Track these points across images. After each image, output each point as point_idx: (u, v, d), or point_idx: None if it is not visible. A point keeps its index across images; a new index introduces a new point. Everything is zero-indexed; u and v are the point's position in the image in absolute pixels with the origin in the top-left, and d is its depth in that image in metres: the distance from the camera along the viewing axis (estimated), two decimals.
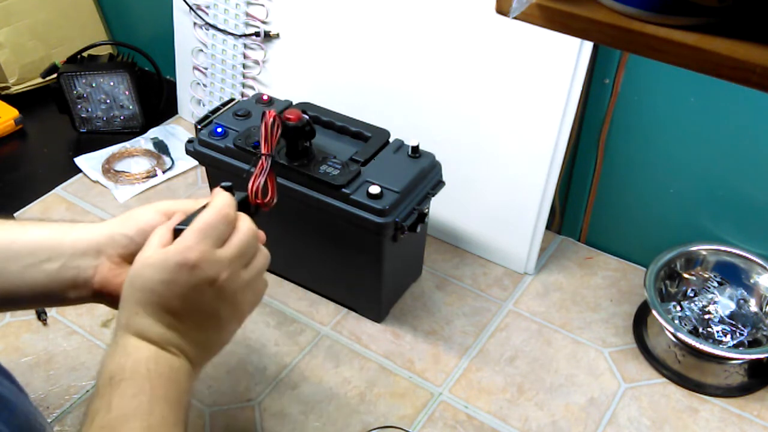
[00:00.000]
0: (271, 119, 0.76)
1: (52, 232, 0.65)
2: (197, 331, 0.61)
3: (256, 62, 1.15)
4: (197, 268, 0.58)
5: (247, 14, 1.12)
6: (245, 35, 1.13)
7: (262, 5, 1.10)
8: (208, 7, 1.15)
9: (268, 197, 0.76)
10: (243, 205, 0.70)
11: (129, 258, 0.65)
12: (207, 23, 1.15)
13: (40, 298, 0.67)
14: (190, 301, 0.59)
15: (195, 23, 1.18)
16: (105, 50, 1.33)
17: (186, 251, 0.58)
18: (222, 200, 0.63)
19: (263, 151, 0.79)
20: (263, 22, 1.11)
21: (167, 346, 0.59)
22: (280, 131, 0.79)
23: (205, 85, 1.24)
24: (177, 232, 0.61)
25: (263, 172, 0.78)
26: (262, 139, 0.78)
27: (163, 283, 0.58)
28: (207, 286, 0.59)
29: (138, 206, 0.69)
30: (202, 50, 1.20)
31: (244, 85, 1.19)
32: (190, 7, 1.16)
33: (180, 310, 0.59)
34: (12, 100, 1.35)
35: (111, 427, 0.52)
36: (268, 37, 1.12)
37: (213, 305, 0.60)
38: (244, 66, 1.17)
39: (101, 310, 0.98)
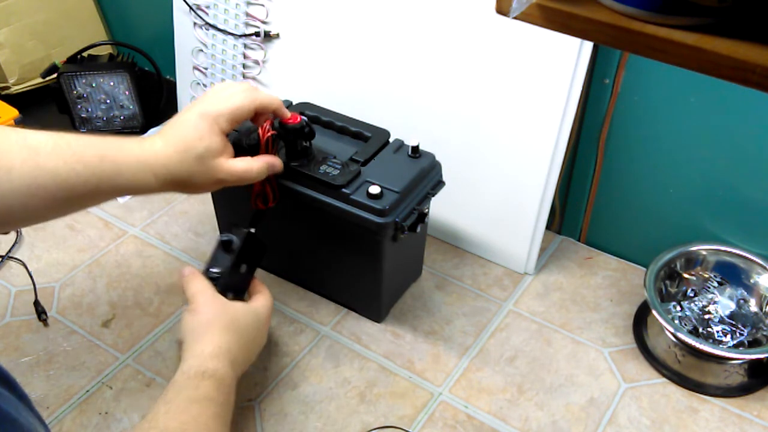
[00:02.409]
0: (266, 138, 0.79)
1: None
2: (253, 357, 0.81)
3: (256, 62, 1.15)
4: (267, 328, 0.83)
5: (247, 14, 1.12)
6: (245, 35, 1.13)
7: (262, 5, 1.10)
8: (208, 7, 1.15)
9: (270, 203, 0.82)
10: (250, 236, 0.84)
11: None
12: (207, 23, 1.15)
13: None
14: (256, 352, 0.81)
15: (195, 23, 1.18)
16: (105, 50, 1.33)
17: (269, 312, 0.84)
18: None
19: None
20: (263, 22, 1.11)
21: (237, 370, 0.76)
22: (277, 145, 0.81)
23: (205, 85, 1.24)
24: (212, 279, 0.81)
25: (263, 183, 0.82)
26: (261, 152, 0.80)
27: (261, 331, 0.81)
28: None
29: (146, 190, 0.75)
30: (202, 50, 1.20)
31: (244, 75, 1.19)
32: (190, 7, 1.16)
33: (253, 356, 0.81)
34: (12, 100, 1.34)
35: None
36: (268, 37, 1.12)
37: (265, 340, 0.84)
38: (244, 66, 1.17)
39: (101, 310, 0.98)
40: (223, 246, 0.82)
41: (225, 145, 0.75)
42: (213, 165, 0.73)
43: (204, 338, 0.73)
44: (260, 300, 0.83)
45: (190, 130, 0.73)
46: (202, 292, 0.77)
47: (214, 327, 0.75)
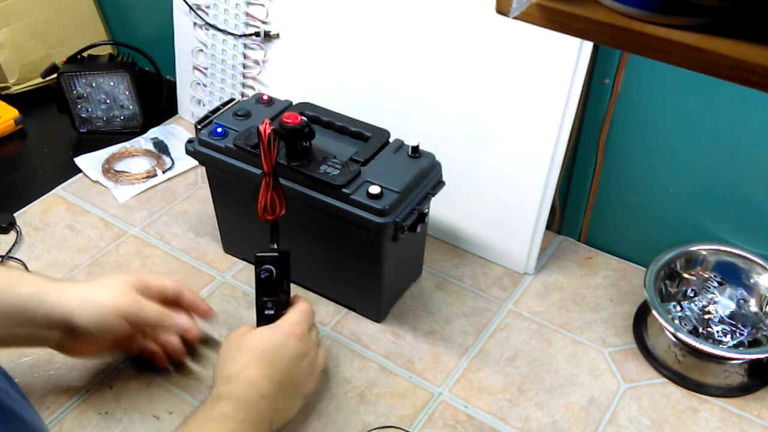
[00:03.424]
0: (267, 138, 0.78)
1: (29, 298, 0.73)
2: (283, 397, 0.75)
3: (256, 62, 1.15)
4: (301, 339, 0.77)
5: (248, 14, 1.12)
6: (245, 35, 1.13)
7: (262, 5, 1.10)
8: (208, 6, 1.15)
9: (277, 211, 0.81)
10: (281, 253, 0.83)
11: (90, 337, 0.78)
12: (207, 23, 1.15)
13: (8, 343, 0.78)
14: (289, 366, 0.75)
15: (195, 23, 1.18)
16: (105, 50, 1.33)
17: (295, 325, 0.77)
18: (307, 303, 0.83)
19: (265, 169, 0.80)
20: (263, 22, 1.11)
21: (266, 398, 0.72)
22: (278, 144, 0.80)
23: (205, 85, 1.24)
24: (268, 316, 0.81)
25: (268, 189, 0.81)
26: (263, 157, 0.79)
27: (276, 345, 0.75)
28: (303, 357, 0.77)
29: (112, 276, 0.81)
30: (202, 50, 1.20)
31: (244, 85, 1.19)
32: (190, 7, 1.16)
33: (281, 372, 0.74)
34: (12, 100, 1.35)
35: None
36: (268, 37, 1.12)
37: (301, 376, 0.77)
38: (244, 66, 1.17)
39: None
40: (266, 280, 0.83)
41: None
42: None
43: (222, 365, 0.77)
44: (286, 317, 0.80)
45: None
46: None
47: (229, 354, 0.77)
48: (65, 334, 0.75)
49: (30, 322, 0.72)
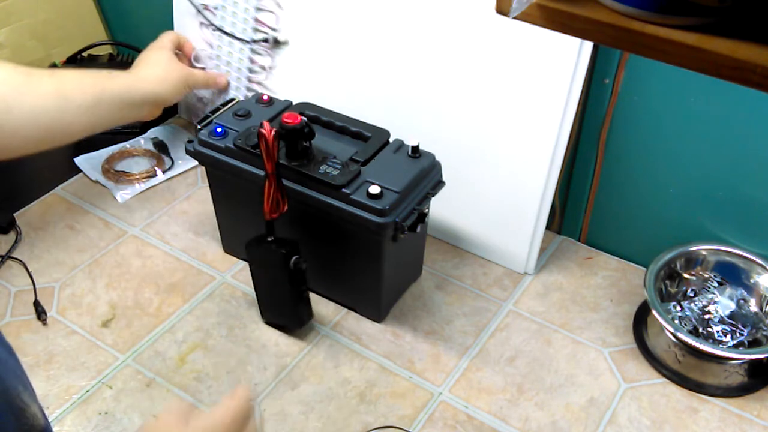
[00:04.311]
0: (267, 140, 0.79)
1: (123, 90, 0.96)
2: None
3: (263, 67, 1.15)
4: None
5: (256, 20, 1.11)
6: (254, 41, 1.13)
7: (272, 12, 1.10)
8: (216, 8, 1.14)
9: (281, 209, 0.82)
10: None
11: None
12: (213, 25, 1.15)
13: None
14: None
15: (201, 23, 1.17)
16: (105, 50, 1.33)
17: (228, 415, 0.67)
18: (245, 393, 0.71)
19: (268, 170, 0.81)
20: (272, 29, 1.11)
21: None
22: (279, 144, 0.81)
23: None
24: None
25: (272, 190, 0.82)
26: (264, 158, 0.80)
27: None
28: None
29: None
30: (205, 51, 1.20)
31: (250, 80, 1.19)
32: (197, 9, 1.15)
33: None
34: None
35: None
36: (277, 43, 1.11)
37: None
38: (251, 70, 1.17)
39: (101, 310, 0.98)
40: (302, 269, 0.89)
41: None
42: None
43: None
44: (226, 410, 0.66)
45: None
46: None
47: None
48: (152, 105, 1.00)
49: (130, 106, 0.94)
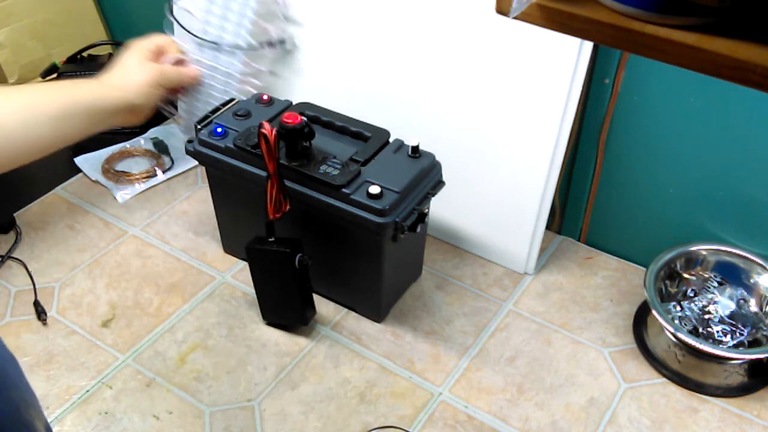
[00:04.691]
0: (269, 140, 0.79)
1: (94, 102, 0.88)
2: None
3: (259, 70, 1.15)
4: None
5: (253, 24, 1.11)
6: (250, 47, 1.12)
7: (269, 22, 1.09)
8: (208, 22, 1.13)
9: (283, 208, 0.82)
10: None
11: None
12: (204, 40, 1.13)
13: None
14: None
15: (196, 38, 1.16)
16: (105, 50, 1.33)
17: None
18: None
19: (270, 170, 0.82)
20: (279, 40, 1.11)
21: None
22: (279, 143, 0.81)
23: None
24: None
25: (274, 190, 0.83)
26: (266, 158, 0.80)
27: None
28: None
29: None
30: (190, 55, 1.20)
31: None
32: (189, 32, 1.14)
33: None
34: None
35: None
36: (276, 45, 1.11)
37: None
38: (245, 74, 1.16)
39: (101, 310, 0.98)
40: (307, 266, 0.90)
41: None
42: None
43: None
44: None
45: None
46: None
47: None
48: (127, 112, 0.93)
49: (101, 115, 0.89)
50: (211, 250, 1.07)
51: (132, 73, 0.94)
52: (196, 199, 1.16)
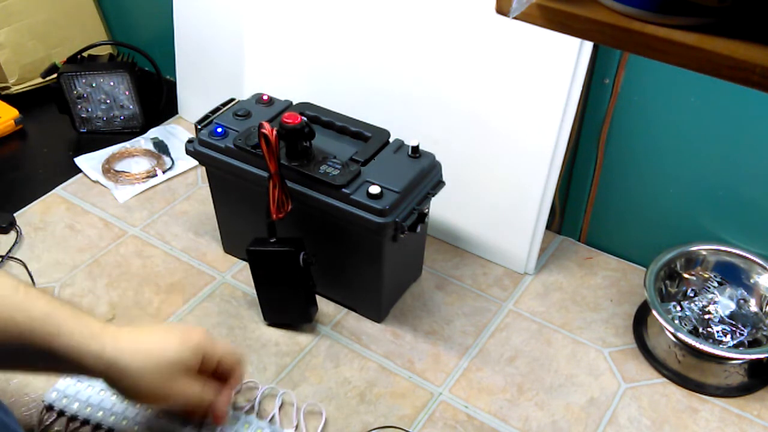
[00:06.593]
0: (266, 140, 0.79)
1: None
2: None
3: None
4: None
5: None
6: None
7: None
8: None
9: (285, 208, 0.83)
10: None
11: None
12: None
13: None
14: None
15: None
16: (105, 50, 1.33)
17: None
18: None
19: (271, 170, 0.82)
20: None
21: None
22: (279, 143, 0.81)
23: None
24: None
25: (276, 190, 0.83)
26: (267, 158, 0.81)
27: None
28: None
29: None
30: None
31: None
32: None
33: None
34: (12, 100, 1.35)
35: None
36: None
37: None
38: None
39: (101, 310, 0.98)
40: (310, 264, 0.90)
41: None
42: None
43: None
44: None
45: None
46: None
47: None
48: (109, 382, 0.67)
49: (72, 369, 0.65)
50: (211, 250, 1.07)
51: (150, 374, 0.63)
52: (196, 199, 1.16)
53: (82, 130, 1.30)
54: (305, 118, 0.85)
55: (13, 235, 1.09)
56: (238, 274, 1.03)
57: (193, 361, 0.62)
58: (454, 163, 0.94)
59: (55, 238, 1.09)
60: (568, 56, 0.86)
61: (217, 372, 0.68)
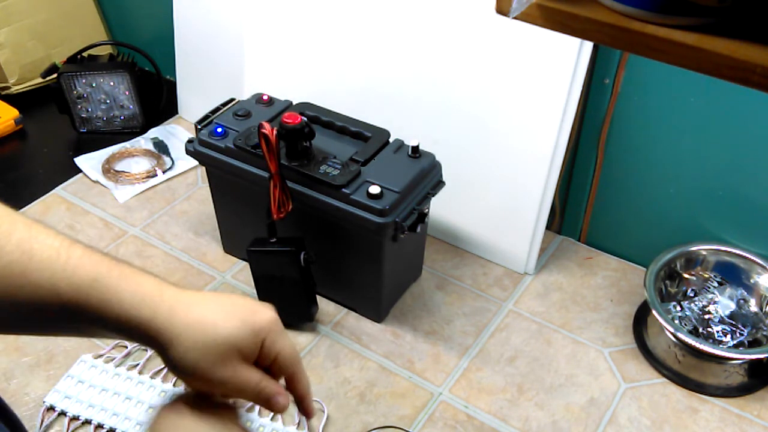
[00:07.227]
0: (266, 140, 0.79)
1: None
2: None
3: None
4: None
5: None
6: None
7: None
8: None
9: (286, 207, 0.83)
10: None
11: None
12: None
13: None
14: None
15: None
16: (105, 50, 1.33)
17: None
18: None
19: (271, 170, 0.82)
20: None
21: None
22: (280, 143, 0.81)
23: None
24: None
25: (277, 190, 0.83)
26: (267, 158, 0.81)
27: None
28: None
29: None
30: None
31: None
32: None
33: None
34: (12, 100, 1.35)
35: None
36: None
37: None
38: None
39: None
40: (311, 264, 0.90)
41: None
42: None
43: None
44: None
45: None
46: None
47: None
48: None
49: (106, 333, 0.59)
50: (211, 250, 1.07)
51: (204, 350, 0.52)
52: (196, 199, 1.16)
53: (82, 130, 1.30)
54: (305, 118, 0.85)
55: None
56: (239, 274, 1.03)
57: (250, 345, 0.54)
58: (454, 163, 0.94)
59: None
60: (568, 56, 0.86)
61: (271, 370, 0.60)
